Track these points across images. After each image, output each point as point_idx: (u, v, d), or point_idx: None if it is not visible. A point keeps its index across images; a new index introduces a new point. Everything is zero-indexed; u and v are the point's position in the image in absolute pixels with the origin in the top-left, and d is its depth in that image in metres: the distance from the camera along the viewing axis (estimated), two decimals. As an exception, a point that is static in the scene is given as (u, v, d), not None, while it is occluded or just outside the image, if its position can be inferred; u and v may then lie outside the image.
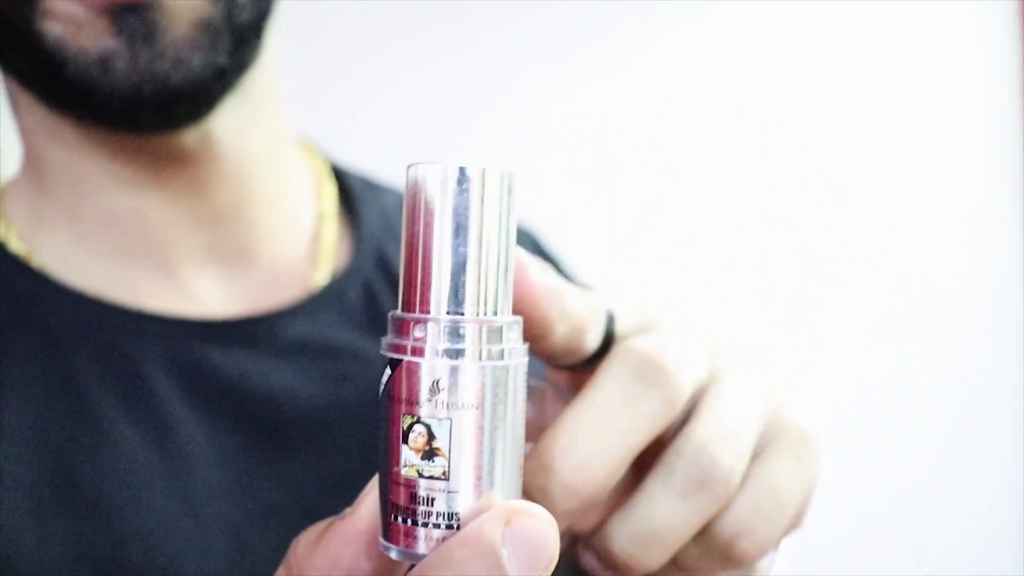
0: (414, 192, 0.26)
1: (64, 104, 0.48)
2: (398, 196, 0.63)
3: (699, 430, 0.33)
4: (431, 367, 0.25)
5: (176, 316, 0.50)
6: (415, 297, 0.26)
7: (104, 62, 0.44)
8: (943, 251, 1.53)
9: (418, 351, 0.26)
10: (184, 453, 0.47)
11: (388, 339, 0.26)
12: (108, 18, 0.44)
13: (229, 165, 0.52)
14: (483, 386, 0.26)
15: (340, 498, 0.31)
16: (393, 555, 0.26)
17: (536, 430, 0.32)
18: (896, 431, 1.51)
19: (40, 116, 0.50)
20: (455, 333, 0.26)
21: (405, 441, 0.26)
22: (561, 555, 0.25)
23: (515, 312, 0.29)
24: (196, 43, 0.45)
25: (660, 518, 0.33)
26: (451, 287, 0.26)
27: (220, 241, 0.53)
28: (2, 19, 0.45)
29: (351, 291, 0.55)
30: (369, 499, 0.27)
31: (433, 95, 1.43)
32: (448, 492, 0.25)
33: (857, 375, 1.52)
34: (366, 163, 0.66)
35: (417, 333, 0.26)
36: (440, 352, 0.25)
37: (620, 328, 0.35)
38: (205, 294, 0.52)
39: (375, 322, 0.55)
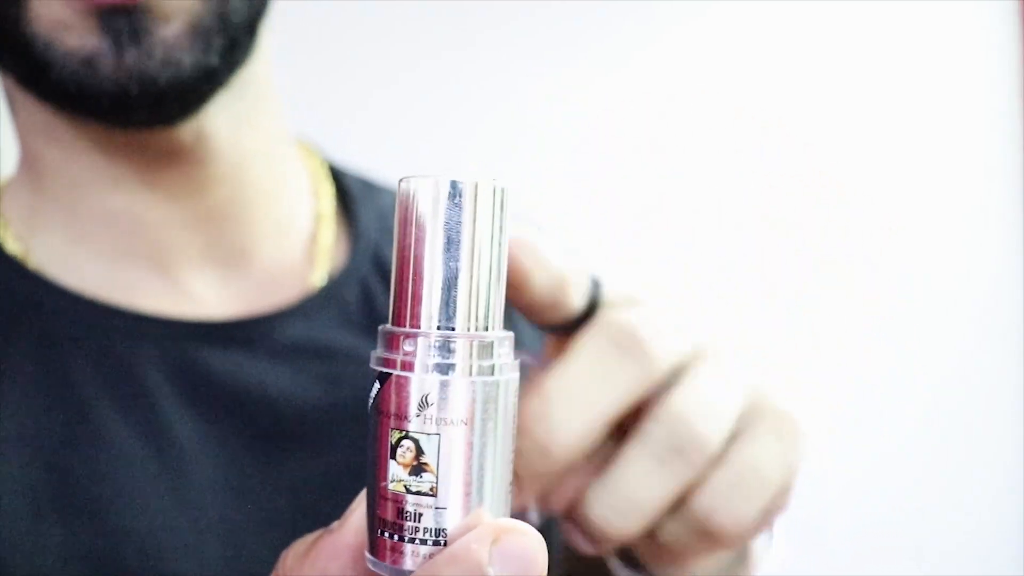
0: (406, 205, 0.26)
1: (56, 101, 0.48)
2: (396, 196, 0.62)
3: (678, 399, 0.33)
4: (420, 382, 0.25)
5: (172, 317, 0.50)
6: (405, 311, 0.26)
7: (90, 62, 0.44)
8: (943, 251, 1.53)
9: (407, 365, 0.25)
10: (180, 454, 0.47)
11: (377, 353, 0.26)
12: (95, 19, 0.44)
13: (225, 164, 0.52)
14: (473, 402, 0.25)
15: (336, 499, 0.31)
16: (378, 570, 0.26)
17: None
18: (896, 431, 1.51)
19: (36, 114, 0.50)
20: (445, 348, 0.26)
21: (393, 456, 0.25)
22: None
23: None
24: (187, 44, 0.45)
25: (636, 484, 0.33)
26: (442, 301, 0.26)
27: (217, 241, 0.53)
28: None
29: (348, 292, 0.55)
30: (357, 513, 0.27)
31: (433, 95, 1.43)
32: (436, 508, 0.25)
33: (857, 375, 1.51)
34: (365, 163, 0.66)
35: (407, 347, 0.26)
36: (430, 367, 0.25)
37: (607, 297, 0.35)
38: (202, 295, 0.52)
39: (372, 323, 0.54)
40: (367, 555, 0.26)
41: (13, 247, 0.51)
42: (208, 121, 0.50)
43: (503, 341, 0.27)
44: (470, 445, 0.25)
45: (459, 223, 0.26)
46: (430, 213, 0.26)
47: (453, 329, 0.26)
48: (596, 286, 0.35)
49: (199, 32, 0.45)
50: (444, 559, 0.25)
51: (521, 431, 0.31)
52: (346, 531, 0.27)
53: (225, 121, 0.51)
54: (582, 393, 0.32)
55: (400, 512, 0.25)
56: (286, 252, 0.55)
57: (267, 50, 0.53)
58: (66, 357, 0.48)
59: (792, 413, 0.37)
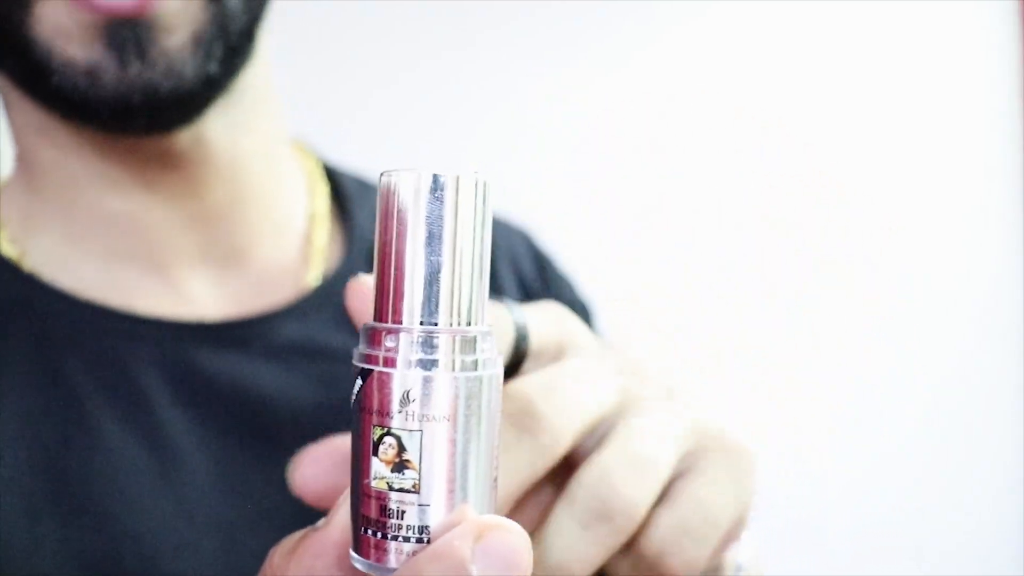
0: (387, 199, 0.26)
1: (54, 105, 0.48)
2: None
3: (604, 459, 0.32)
4: (402, 378, 0.25)
5: (168, 318, 0.50)
6: (387, 306, 0.26)
7: (92, 74, 0.44)
8: (943, 251, 1.53)
9: (390, 362, 0.25)
10: (176, 454, 0.47)
11: (360, 349, 0.26)
12: (100, 31, 0.44)
13: (221, 166, 0.52)
14: (456, 397, 0.25)
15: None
16: (363, 568, 0.26)
17: None
18: (896, 431, 1.51)
19: (32, 115, 0.50)
20: (427, 344, 0.25)
21: (375, 453, 0.25)
22: None
23: None
24: (189, 54, 0.45)
25: (564, 548, 0.32)
26: (424, 297, 0.25)
27: (212, 241, 0.53)
28: None
29: (343, 292, 0.55)
30: (342, 510, 0.27)
31: (432, 95, 1.43)
32: (419, 505, 0.25)
33: (857, 375, 1.51)
34: (365, 163, 0.66)
35: (389, 343, 0.25)
36: (412, 363, 0.25)
37: (534, 345, 0.35)
38: (197, 296, 0.52)
39: None
40: (351, 553, 0.26)
41: (8, 249, 0.51)
42: (205, 125, 0.50)
43: (486, 336, 0.26)
44: (453, 441, 0.25)
45: (441, 217, 0.25)
46: (411, 207, 0.25)
47: (435, 324, 0.25)
48: (523, 335, 0.34)
49: (200, 42, 0.46)
50: (427, 556, 0.24)
51: None
52: (331, 529, 0.27)
53: (222, 125, 0.51)
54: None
55: (383, 509, 0.25)
56: (281, 252, 0.55)
57: (265, 52, 0.53)
58: (62, 358, 0.48)
59: (743, 446, 0.35)
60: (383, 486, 0.25)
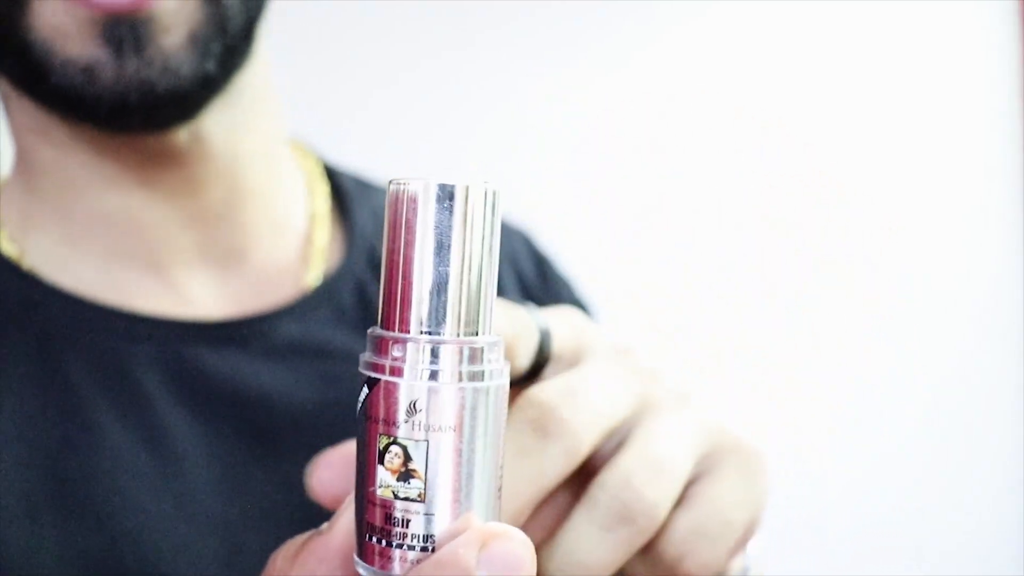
0: (395, 208, 0.26)
1: (52, 105, 0.48)
2: None
3: (624, 462, 0.33)
4: (409, 388, 0.25)
5: (167, 317, 0.50)
6: (394, 315, 0.26)
7: (90, 71, 0.44)
8: (943, 251, 1.53)
9: (396, 371, 0.25)
10: (176, 454, 0.47)
11: (366, 357, 0.26)
12: (98, 28, 0.44)
13: (220, 165, 0.52)
14: (462, 408, 0.25)
15: None
16: (367, 575, 0.26)
17: None
18: (896, 431, 1.51)
19: (31, 114, 0.50)
20: (434, 353, 0.25)
21: (381, 461, 0.25)
22: None
23: None
24: (186, 52, 0.45)
25: (585, 551, 0.32)
26: (431, 306, 0.25)
27: (211, 241, 0.53)
28: None
29: (343, 291, 0.55)
30: (345, 516, 0.27)
31: (432, 95, 1.43)
32: (424, 514, 0.25)
33: (857, 375, 1.52)
34: (365, 164, 0.66)
35: (396, 352, 0.25)
36: (419, 373, 0.25)
37: (556, 347, 0.35)
38: (197, 295, 0.52)
39: (367, 322, 0.54)
40: (356, 559, 0.26)
41: (7, 248, 0.51)
42: (204, 124, 0.50)
43: (493, 346, 0.26)
44: (458, 451, 0.25)
45: (449, 227, 0.25)
46: (420, 216, 0.25)
47: (442, 334, 0.25)
48: (546, 339, 0.35)
49: (198, 40, 0.46)
50: (431, 564, 0.24)
51: None
52: (335, 534, 0.27)
53: (221, 124, 0.51)
54: (503, 482, 0.31)
55: (388, 517, 0.25)
56: (281, 252, 0.55)
57: (264, 52, 0.53)
58: (62, 358, 0.48)
59: (756, 449, 0.36)
60: (388, 495, 0.25)
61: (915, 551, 1.49)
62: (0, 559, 0.43)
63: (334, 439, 0.50)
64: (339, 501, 0.32)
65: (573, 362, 0.36)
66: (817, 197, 1.51)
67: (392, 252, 0.26)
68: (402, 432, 0.25)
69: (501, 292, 0.59)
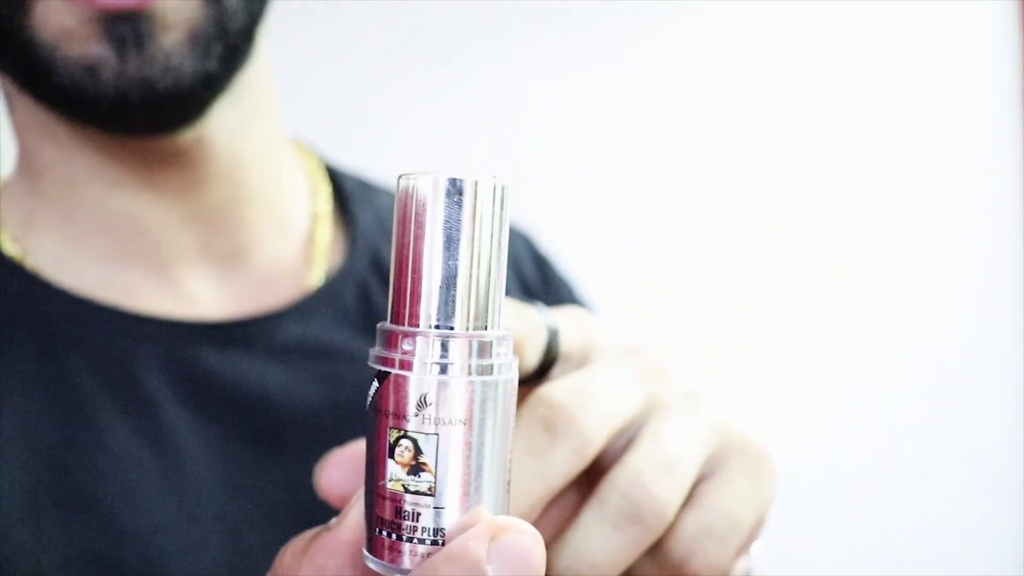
0: (405, 202, 0.26)
1: (55, 105, 0.48)
2: (393, 196, 0.63)
3: (634, 461, 0.33)
4: (419, 381, 0.25)
5: (170, 317, 0.50)
6: (404, 309, 0.26)
7: (92, 69, 0.44)
8: (943, 251, 1.53)
9: (406, 365, 0.25)
10: (179, 453, 0.47)
11: (376, 351, 0.26)
12: (99, 26, 0.44)
13: (223, 166, 0.52)
14: (471, 401, 0.25)
15: None
16: (377, 568, 0.26)
17: None
18: (896, 431, 1.51)
19: (34, 115, 0.50)
20: (444, 347, 0.25)
21: (391, 455, 0.25)
22: None
23: None
24: (187, 51, 0.45)
25: (595, 549, 0.33)
26: (441, 300, 0.25)
27: (214, 242, 0.53)
28: None
29: (346, 292, 0.55)
30: (355, 511, 0.27)
31: (432, 96, 1.43)
32: (434, 508, 0.25)
33: (857, 375, 1.52)
34: (366, 164, 0.66)
35: (405, 346, 0.25)
36: (428, 366, 0.25)
37: (564, 346, 0.35)
38: (199, 295, 0.52)
39: (370, 322, 0.54)
40: (365, 553, 0.26)
41: (10, 249, 0.51)
42: (207, 125, 0.50)
43: (502, 340, 0.26)
44: (468, 445, 0.25)
45: (459, 221, 0.25)
46: (429, 210, 0.25)
47: (452, 328, 0.25)
48: (554, 338, 0.35)
49: (198, 39, 0.46)
50: (442, 558, 0.24)
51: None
52: (344, 528, 0.27)
53: (224, 124, 0.51)
54: (514, 480, 0.31)
55: (398, 511, 0.25)
56: (283, 252, 0.55)
57: (265, 52, 0.53)
58: (65, 357, 0.48)
59: (763, 449, 0.36)
60: (399, 488, 0.25)
61: (915, 551, 1.49)
62: (4, 558, 0.43)
63: (337, 438, 0.50)
64: (347, 501, 0.32)
65: (581, 361, 0.36)
66: (817, 197, 1.51)
67: (402, 246, 0.26)
68: (412, 425, 0.25)
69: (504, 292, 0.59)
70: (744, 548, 0.36)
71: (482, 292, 0.26)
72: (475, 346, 0.25)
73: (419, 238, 0.26)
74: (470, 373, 0.25)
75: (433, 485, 0.25)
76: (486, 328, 0.26)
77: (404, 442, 0.25)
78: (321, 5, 1.36)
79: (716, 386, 1.41)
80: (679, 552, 0.34)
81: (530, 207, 0.76)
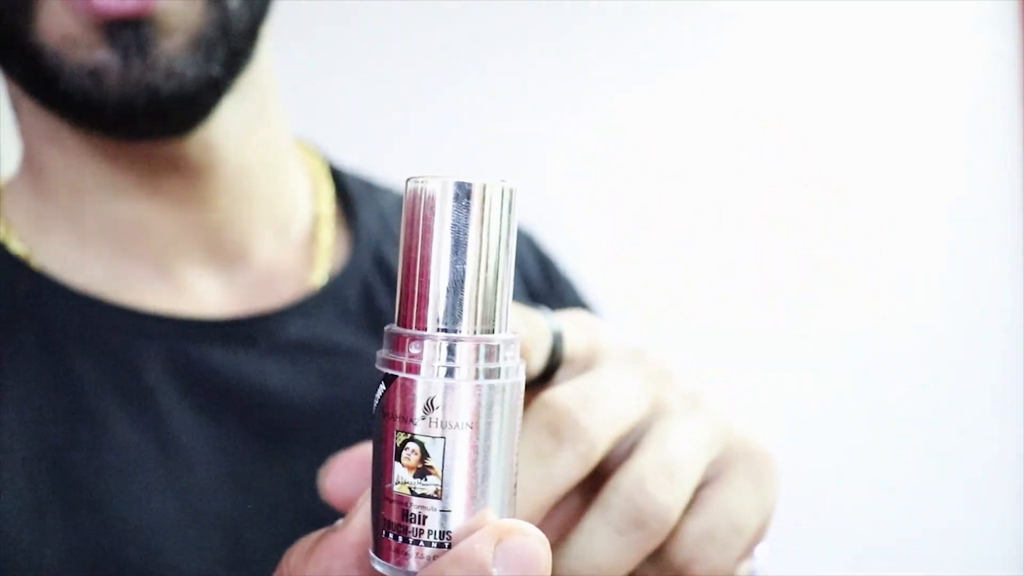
0: (413, 205, 0.26)
1: (61, 110, 0.48)
2: (397, 197, 0.63)
3: (638, 466, 0.33)
4: (426, 385, 0.25)
5: (174, 315, 0.50)
6: (411, 312, 0.26)
7: (97, 74, 0.45)
8: (943, 251, 1.53)
9: (413, 368, 0.25)
10: (182, 450, 0.47)
11: (383, 354, 0.26)
12: (103, 32, 0.44)
13: (228, 170, 0.52)
14: (478, 405, 0.25)
15: None
16: (383, 570, 0.26)
17: None
18: (896, 431, 1.51)
19: (41, 120, 0.50)
20: (451, 351, 0.25)
21: (398, 458, 0.25)
22: None
23: None
24: (190, 55, 0.45)
25: (598, 553, 0.33)
26: (448, 304, 0.25)
27: (218, 243, 0.53)
28: (1, 27, 0.46)
29: (349, 291, 0.55)
30: (361, 512, 0.27)
31: (435, 98, 1.43)
32: (440, 511, 0.25)
33: (857, 375, 1.52)
34: (370, 165, 0.66)
35: (413, 350, 0.25)
36: (436, 370, 0.25)
37: (569, 350, 0.35)
38: (203, 294, 0.52)
39: (373, 321, 0.54)
40: (371, 555, 0.26)
41: (16, 247, 0.51)
42: (213, 131, 0.50)
43: (509, 344, 0.26)
44: (475, 448, 0.25)
45: (467, 225, 0.25)
46: (437, 214, 0.25)
47: (459, 332, 0.26)
48: (559, 342, 0.35)
49: (201, 44, 0.46)
50: (448, 560, 0.25)
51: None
52: (350, 530, 0.27)
53: (229, 126, 0.51)
54: (519, 484, 0.31)
55: (405, 514, 0.25)
56: (286, 252, 0.56)
57: (269, 53, 0.53)
58: (69, 354, 0.48)
59: (767, 453, 0.36)
60: (405, 491, 0.25)
61: (915, 551, 1.49)
62: (7, 554, 0.43)
63: (339, 437, 0.50)
64: (352, 505, 0.32)
65: (586, 365, 0.36)
66: (817, 197, 1.51)
67: (409, 250, 0.26)
68: (419, 429, 0.25)
69: None
70: (747, 552, 0.36)
71: (490, 296, 0.26)
72: (482, 350, 0.26)
73: (427, 241, 0.26)
74: (477, 377, 0.25)
75: (440, 488, 0.25)
76: (493, 332, 0.26)
77: (411, 445, 0.25)
78: (326, 4, 1.36)
79: (716, 387, 1.42)
80: (682, 556, 0.34)
81: (530, 207, 0.76)
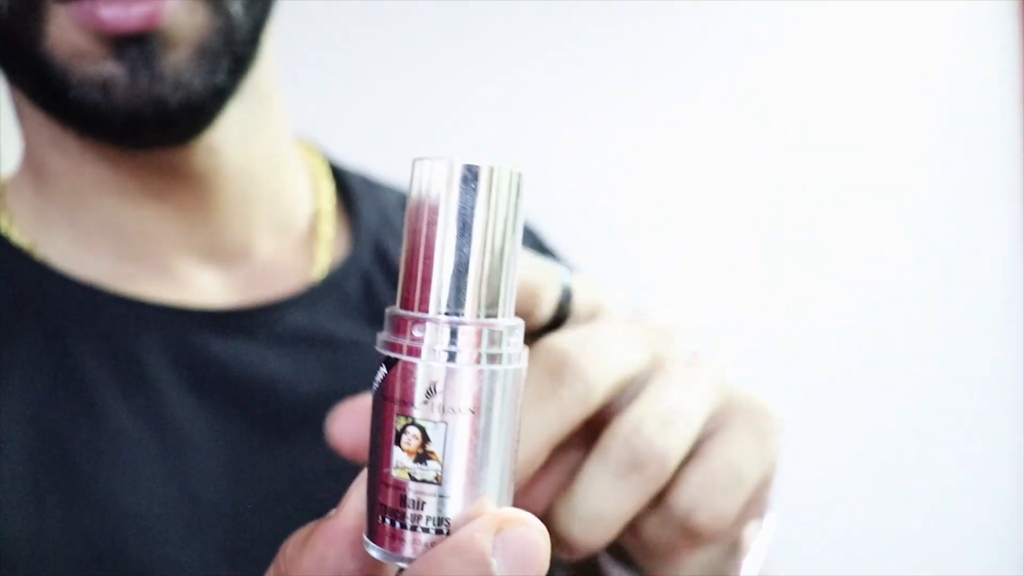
0: (418, 187, 0.25)
1: (69, 121, 0.48)
2: (397, 194, 0.63)
3: (636, 412, 0.33)
4: (428, 369, 0.25)
5: (176, 305, 0.50)
6: (414, 295, 0.25)
7: (105, 87, 0.45)
8: (943, 251, 1.53)
9: (415, 351, 0.25)
10: (182, 439, 0.48)
11: (384, 336, 0.26)
12: (110, 46, 0.44)
13: (230, 172, 0.52)
14: (481, 390, 0.25)
15: (337, 486, 0.31)
16: (377, 556, 0.26)
17: None
18: (896, 431, 1.51)
19: (44, 125, 0.50)
20: (454, 335, 0.25)
21: (398, 443, 0.25)
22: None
23: None
24: (196, 66, 0.46)
25: (598, 498, 0.33)
26: (452, 287, 0.25)
27: (219, 243, 0.53)
28: (9, 39, 0.46)
29: (349, 283, 0.55)
30: (354, 497, 0.27)
31: (434, 94, 1.43)
32: (439, 496, 0.25)
33: (857, 375, 1.52)
34: (368, 163, 0.66)
35: (415, 333, 0.25)
36: (438, 354, 0.25)
37: (576, 307, 0.36)
38: (204, 288, 0.53)
39: (373, 313, 0.55)
40: (365, 539, 0.26)
41: (19, 240, 0.51)
42: (216, 136, 0.50)
43: (513, 329, 0.26)
44: (476, 434, 0.25)
45: (473, 207, 0.25)
46: (444, 196, 0.25)
47: (463, 316, 0.25)
48: (567, 295, 0.35)
49: (206, 54, 0.46)
50: (447, 548, 0.24)
51: None
52: (344, 516, 0.27)
53: (232, 130, 0.51)
54: None
55: (402, 499, 0.25)
56: (287, 248, 0.56)
57: (270, 52, 0.53)
58: (70, 343, 0.48)
59: (767, 407, 0.37)
60: (404, 476, 0.25)
61: (915, 551, 1.50)
62: (5, 541, 0.43)
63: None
64: (358, 451, 0.32)
65: (590, 320, 0.36)
66: (817, 197, 1.51)
67: (414, 231, 0.25)
68: (420, 413, 0.25)
69: None
70: (751, 508, 0.36)
71: (494, 280, 0.25)
72: (485, 334, 0.25)
73: (432, 223, 0.25)
74: (479, 361, 0.25)
75: (439, 474, 0.25)
76: (497, 316, 0.26)
77: (411, 429, 0.25)
78: (327, 3, 1.36)
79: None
80: (684, 505, 0.34)
81: (532, 205, 0.76)
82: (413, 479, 0.25)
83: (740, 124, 1.50)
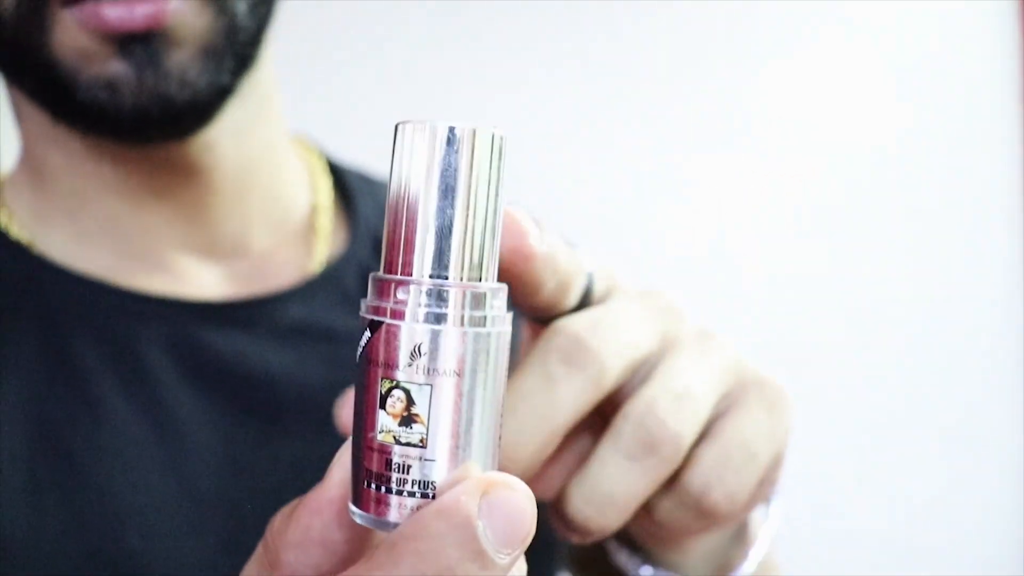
0: (401, 150, 0.25)
1: (73, 122, 0.49)
2: None
3: (648, 393, 0.33)
4: (411, 331, 0.25)
5: (174, 298, 0.51)
6: (397, 258, 0.25)
7: (112, 86, 0.45)
8: (943, 251, 1.53)
9: (399, 314, 0.25)
10: (181, 432, 0.48)
11: (368, 300, 0.26)
12: (115, 46, 0.45)
13: (228, 169, 0.52)
14: (465, 353, 0.25)
15: None
16: (362, 521, 0.25)
17: None
18: (896, 431, 1.51)
19: (43, 123, 0.50)
20: (438, 297, 0.25)
21: (382, 406, 0.25)
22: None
23: (511, 274, 0.28)
24: (201, 66, 0.46)
25: (611, 481, 0.33)
26: (435, 250, 0.25)
27: (216, 239, 0.54)
28: (14, 44, 0.46)
29: (347, 276, 0.55)
30: (339, 466, 0.27)
31: (433, 92, 1.43)
32: (424, 460, 0.25)
33: (857, 375, 1.51)
34: (367, 162, 0.66)
35: (399, 295, 0.25)
36: (422, 316, 0.25)
37: (596, 291, 0.36)
38: (202, 281, 0.53)
39: None
40: (350, 506, 0.26)
41: (18, 235, 0.52)
42: (214, 132, 0.50)
43: (496, 293, 0.26)
44: (461, 396, 0.25)
45: (456, 170, 0.25)
46: (426, 159, 0.25)
47: (446, 278, 0.25)
48: (591, 283, 0.36)
49: (210, 53, 0.46)
50: (432, 512, 0.24)
51: None
52: (329, 485, 0.27)
53: (231, 127, 0.51)
54: (530, 408, 0.32)
55: (387, 463, 0.25)
56: (285, 242, 0.56)
57: (269, 51, 0.53)
58: (69, 336, 0.48)
59: (779, 385, 0.37)
60: (389, 440, 0.25)
61: (915, 551, 1.49)
62: (3, 534, 0.43)
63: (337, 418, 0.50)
64: None
65: (602, 300, 0.36)
66: (819, 197, 1.51)
67: (397, 195, 0.25)
68: (404, 376, 0.25)
69: None
70: (763, 486, 0.36)
71: (478, 243, 0.25)
72: (470, 297, 0.25)
73: (415, 187, 0.25)
74: (463, 324, 0.25)
75: (425, 437, 0.25)
76: (481, 280, 0.26)
77: (396, 392, 0.25)
78: (324, 5, 1.36)
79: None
80: (697, 484, 0.34)
81: (533, 206, 0.76)
82: (398, 442, 0.25)
83: (740, 124, 1.50)
